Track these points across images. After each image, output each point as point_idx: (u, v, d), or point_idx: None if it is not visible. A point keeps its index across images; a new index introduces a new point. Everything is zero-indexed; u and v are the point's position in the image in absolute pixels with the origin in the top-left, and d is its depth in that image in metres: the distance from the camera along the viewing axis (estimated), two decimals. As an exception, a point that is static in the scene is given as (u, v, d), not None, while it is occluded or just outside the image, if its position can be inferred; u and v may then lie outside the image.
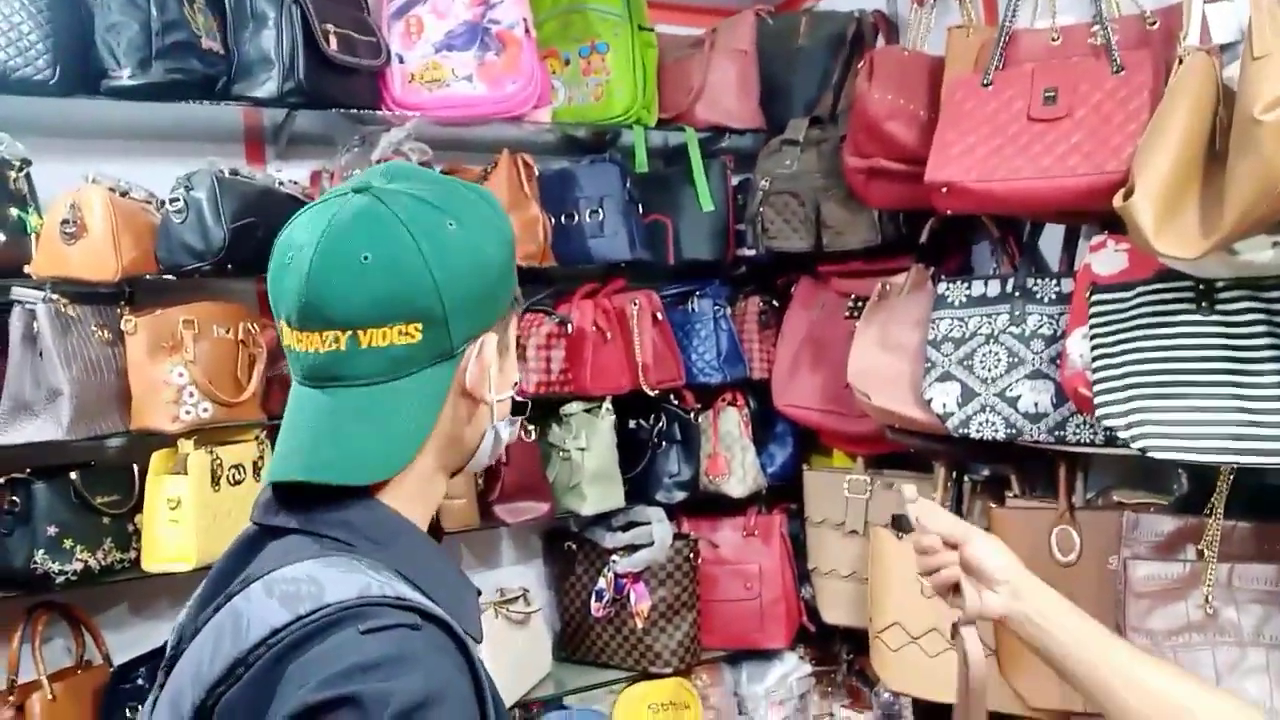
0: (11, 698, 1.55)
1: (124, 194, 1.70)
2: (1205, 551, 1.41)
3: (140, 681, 1.62)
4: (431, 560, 0.81)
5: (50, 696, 1.56)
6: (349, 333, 0.77)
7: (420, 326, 0.78)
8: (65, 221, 1.60)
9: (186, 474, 1.65)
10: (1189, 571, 1.42)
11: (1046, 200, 1.53)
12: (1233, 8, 1.47)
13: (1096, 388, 1.43)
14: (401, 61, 1.97)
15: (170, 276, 1.70)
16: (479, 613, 0.85)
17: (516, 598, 2.01)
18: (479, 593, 0.87)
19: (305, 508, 0.78)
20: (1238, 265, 1.30)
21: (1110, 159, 1.47)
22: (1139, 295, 1.44)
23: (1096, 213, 1.59)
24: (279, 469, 0.79)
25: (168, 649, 0.80)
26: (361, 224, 0.78)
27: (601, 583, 2.04)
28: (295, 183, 1.89)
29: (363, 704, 0.63)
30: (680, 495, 2.09)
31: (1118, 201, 1.31)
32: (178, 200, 1.65)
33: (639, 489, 2.08)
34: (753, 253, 2.20)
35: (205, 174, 1.68)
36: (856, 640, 2.24)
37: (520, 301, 0.89)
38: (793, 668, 2.23)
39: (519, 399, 0.90)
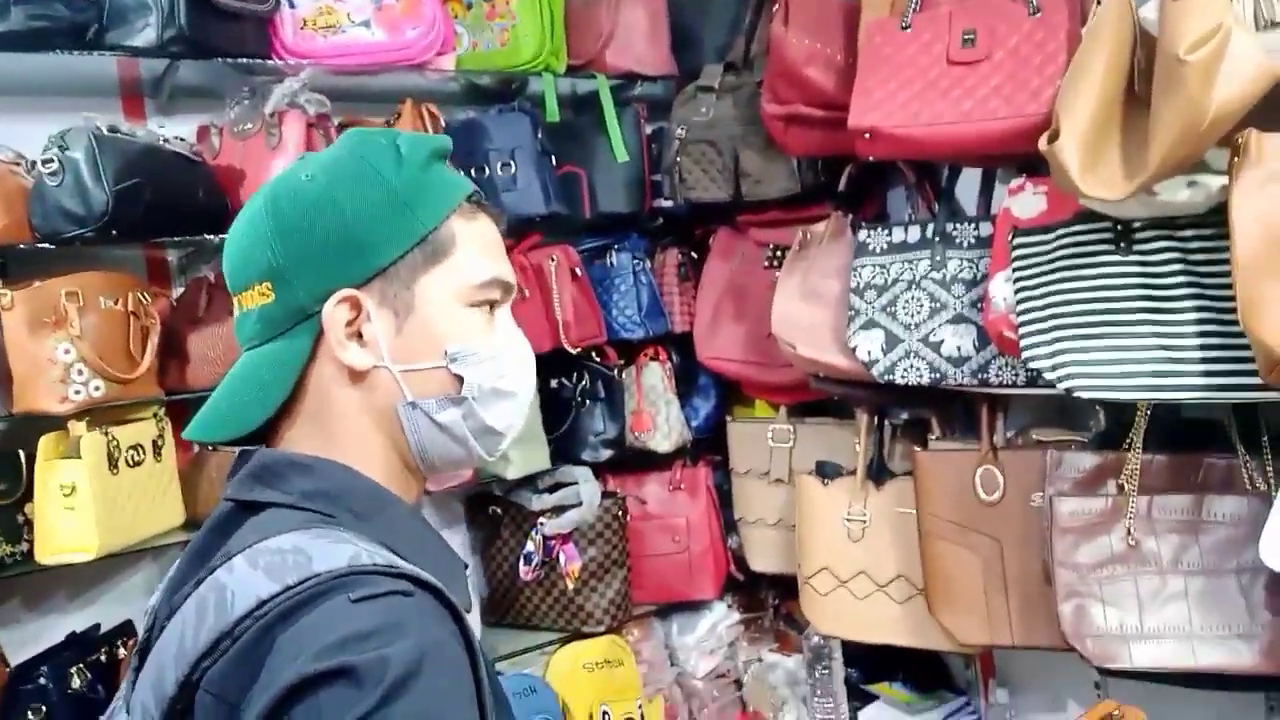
0: (-103, 708, 1.43)
1: (-12, 155, 1.55)
2: (1125, 485, 1.46)
3: (42, 680, 1.51)
4: (417, 533, 0.79)
5: (-59, 704, 1.45)
6: (235, 298, 0.82)
7: (270, 285, 0.78)
8: (-78, 187, 1.45)
9: (80, 457, 1.53)
10: (1111, 505, 1.46)
11: (969, 144, 1.53)
12: (1142, -51, 1.49)
13: (1022, 330, 1.45)
14: (292, 6, 1.84)
15: (48, 245, 1.56)
16: (468, 585, 0.82)
17: (443, 566, 1.95)
18: (467, 566, 0.84)
19: (282, 480, 0.76)
20: (1156, 205, 1.33)
21: (1030, 101, 1.47)
22: (1059, 237, 1.46)
23: (1013, 156, 1.61)
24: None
25: (140, 633, 0.78)
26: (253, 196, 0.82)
27: (530, 545, 2.00)
28: (181, 139, 1.75)
29: (358, 674, 0.61)
30: (607, 454, 2.06)
31: (1043, 144, 1.32)
32: (51, 161, 1.51)
33: (564, 449, 2.04)
34: (670, 204, 2.16)
35: (81, 132, 1.54)
36: (783, 586, 2.27)
37: (438, 257, 0.80)
38: (721, 616, 2.25)
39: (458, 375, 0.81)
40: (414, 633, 0.64)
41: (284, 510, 0.74)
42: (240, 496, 0.77)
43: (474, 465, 0.85)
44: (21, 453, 1.57)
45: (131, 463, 1.61)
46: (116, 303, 1.62)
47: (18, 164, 1.60)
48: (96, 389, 1.55)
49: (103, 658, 1.61)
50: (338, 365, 0.78)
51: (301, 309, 0.78)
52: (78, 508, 1.52)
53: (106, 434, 1.57)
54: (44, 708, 1.50)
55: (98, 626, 1.68)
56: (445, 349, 0.79)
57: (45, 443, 1.54)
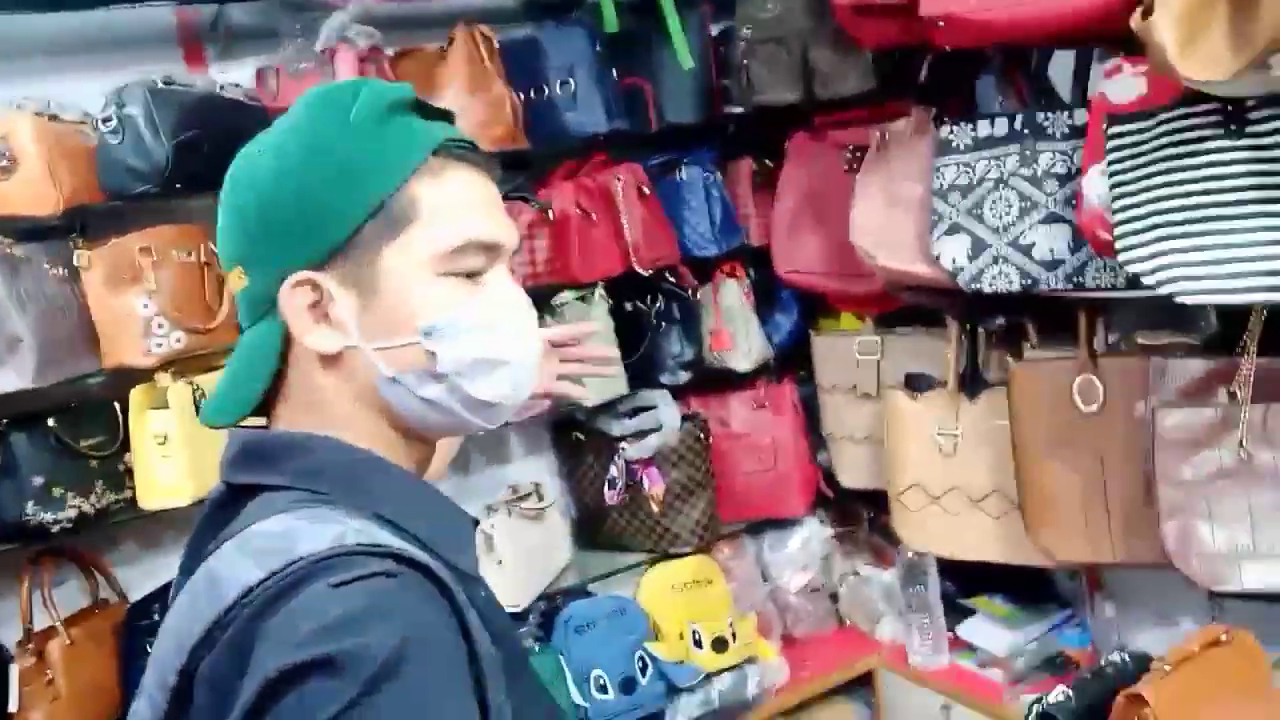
0: (30, 646, 1.54)
1: (53, 117, 1.57)
2: (1238, 393, 1.34)
3: (156, 616, 1.61)
4: (415, 498, 0.77)
5: (68, 641, 1.55)
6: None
7: (242, 270, 0.76)
8: (-6, 155, 1.49)
9: (169, 408, 1.59)
10: (1221, 416, 1.35)
11: (1054, 25, 1.38)
12: None
13: (1118, 229, 1.33)
14: (335, -66, 1.79)
15: (118, 203, 1.59)
16: (474, 546, 0.80)
17: (529, 494, 1.98)
18: (476, 523, 0.82)
19: (272, 461, 0.74)
20: (1272, 81, 1.17)
21: (1124, -29, 1.31)
22: (1160, 124, 1.31)
23: (1110, 34, 1.44)
24: None
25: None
26: None
27: (613, 470, 2.00)
28: (238, 85, 1.75)
29: (339, 664, 0.59)
30: (685, 376, 2.02)
31: (1135, 21, 1.17)
32: (111, 120, 1.52)
33: (642, 373, 2.01)
34: (740, 109, 2.05)
35: (137, 87, 1.54)
36: (876, 501, 2.21)
37: (399, 226, 0.73)
38: (814, 532, 2.21)
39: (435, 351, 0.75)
40: (396, 616, 0.62)
41: (277, 492, 0.73)
42: (234, 480, 0.76)
43: (478, 432, 0.81)
44: (117, 405, 1.63)
45: (218, 409, 1.66)
46: (190, 254, 1.65)
47: (84, 123, 1.62)
48: (178, 340, 1.59)
49: (211, 592, 1.70)
50: (308, 348, 0.75)
51: (269, 294, 0.74)
52: (171, 455, 1.59)
53: (192, 383, 1.62)
54: (160, 642, 1.60)
55: (205, 563, 1.77)
56: (417, 325, 0.74)
57: (136, 395, 1.60)
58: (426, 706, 0.60)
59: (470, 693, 0.65)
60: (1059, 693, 1.33)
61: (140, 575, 1.77)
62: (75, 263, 1.55)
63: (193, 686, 0.65)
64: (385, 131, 0.74)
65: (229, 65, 1.88)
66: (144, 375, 1.62)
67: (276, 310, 0.75)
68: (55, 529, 1.52)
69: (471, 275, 0.76)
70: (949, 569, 2.01)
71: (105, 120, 1.53)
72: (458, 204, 0.75)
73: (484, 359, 0.76)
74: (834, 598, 2.24)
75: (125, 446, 1.62)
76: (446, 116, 0.80)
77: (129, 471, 1.62)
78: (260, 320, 0.76)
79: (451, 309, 0.75)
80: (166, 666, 0.67)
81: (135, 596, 1.70)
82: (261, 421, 0.80)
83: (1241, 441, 1.33)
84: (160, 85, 1.57)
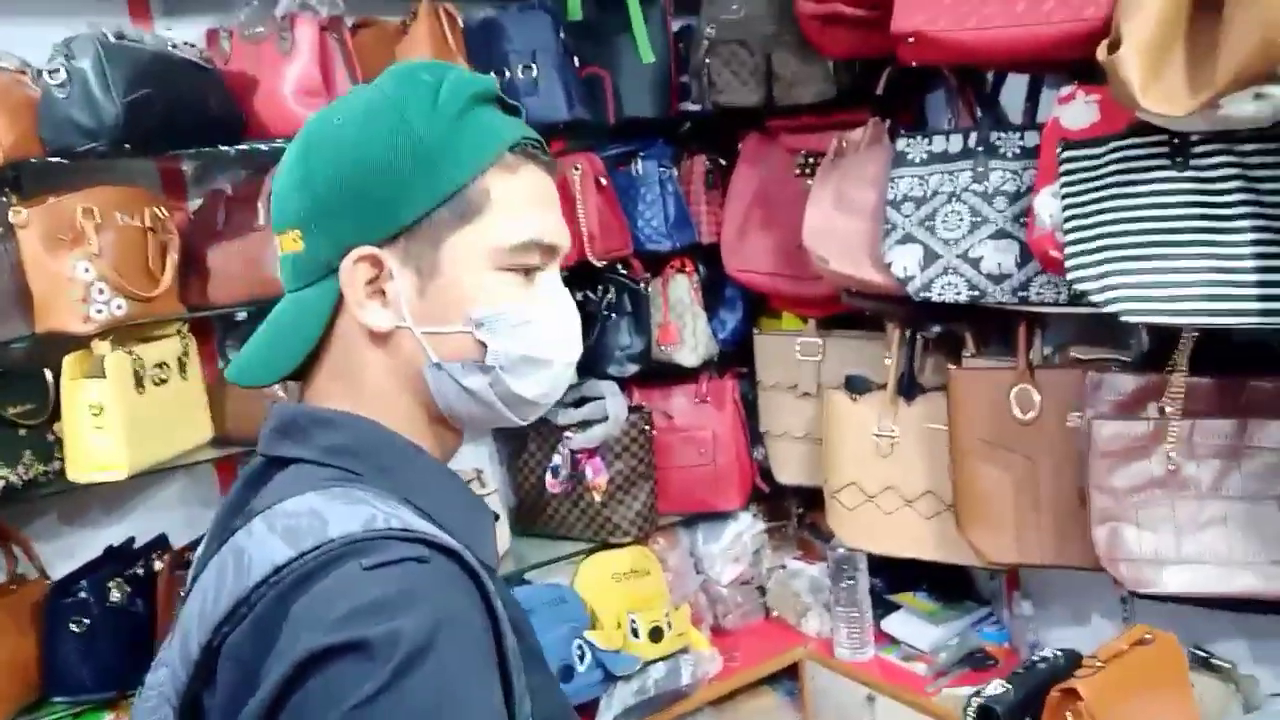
0: (-56, 623, 1.46)
1: (-8, 65, 1.48)
2: (1168, 408, 1.43)
3: (83, 595, 1.54)
4: (443, 486, 0.76)
5: (-14, 619, 1.48)
6: (276, 239, 0.79)
7: (300, 234, 0.75)
8: (-74, 102, 1.40)
9: (105, 378, 1.52)
10: (1152, 429, 1.43)
11: (1020, 50, 1.44)
12: None
13: (1068, 249, 1.40)
14: (300, -103, 1.73)
15: (58, 159, 1.51)
16: (494, 539, 0.80)
17: (470, 480, 1.96)
18: (496, 518, 0.82)
19: (306, 436, 0.74)
20: (1217, 119, 1.25)
21: (1088, 4, 1.38)
22: (1111, 151, 1.39)
23: (1064, 62, 1.52)
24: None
25: (188, 583, 0.76)
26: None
27: (557, 459, 2.00)
28: (190, 45, 1.68)
29: (370, 648, 0.58)
30: (633, 368, 2.04)
31: (1102, 54, 1.24)
32: (58, 72, 1.44)
33: (589, 363, 2.02)
34: (697, 108, 2.07)
35: (87, 39, 1.46)
36: (806, 497, 2.28)
37: (468, 216, 0.74)
38: (746, 526, 2.26)
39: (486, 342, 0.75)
40: (428, 602, 0.61)
41: (308, 466, 0.72)
42: (269, 452, 0.76)
43: (512, 426, 0.81)
44: (48, 372, 1.55)
45: (157, 381, 1.59)
46: (134, 218, 1.58)
47: (23, 73, 1.53)
48: (119, 308, 1.52)
49: (140, 571, 1.63)
50: (361, 323, 0.75)
51: (326, 262, 0.74)
52: (106, 427, 1.52)
53: (131, 353, 1.55)
54: (86, 620, 1.53)
55: (132, 540, 1.70)
56: (470, 314, 0.74)
57: (69, 363, 1.52)
58: (455, 692, 0.60)
59: (497, 679, 0.65)
60: (997, 685, 1.39)
61: (61, 551, 1.70)
62: (10, 220, 1.46)
63: (216, 661, 0.64)
64: (468, 121, 0.74)
65: (176, 23, 1.81)
66: (76, 343, 1.54)
67: (329, 279, 0.74)
68: (-21, 500, 1.44)
69: (528, 273, 0.77)
70: (876, 565, 2.08)
71: (52, 72, 1.45)
72: (526, 201, 0.76)
73: (529, 356, 0.77)
74: (762, 590, 2.29)
75: (55, 416, 1.55)
76: (519, 113, 0.80)
77: (59, 442, 1.55)
78: (308, 286, 0.76)
79: (505, 302, 0.75)
80: (190, 639, 0.66)
81: (56, 573, 1.63)
82: (278, 389, 0.80)
83: (1170, 454, 1.42)
84: (112, 39, 1.50)
